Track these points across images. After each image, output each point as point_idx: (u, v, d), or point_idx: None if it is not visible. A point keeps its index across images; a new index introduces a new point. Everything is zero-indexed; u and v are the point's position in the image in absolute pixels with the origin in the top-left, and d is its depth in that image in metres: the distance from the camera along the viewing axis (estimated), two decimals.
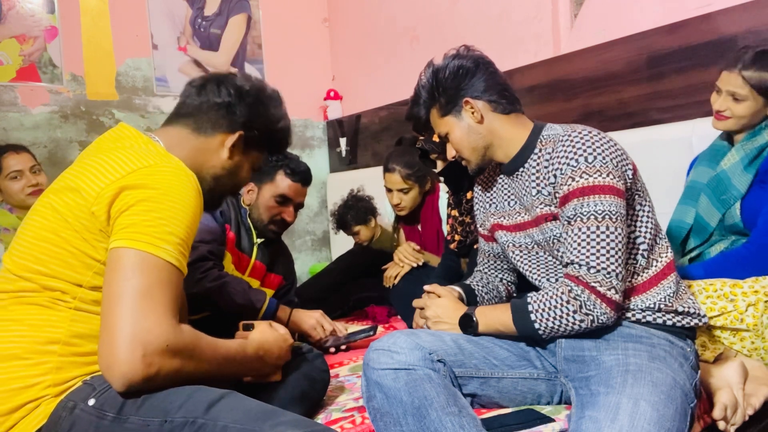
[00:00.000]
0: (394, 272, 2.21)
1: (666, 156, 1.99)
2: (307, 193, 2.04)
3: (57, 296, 0.96)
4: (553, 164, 1.20)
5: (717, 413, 1.23)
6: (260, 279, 2.01)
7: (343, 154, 3.72)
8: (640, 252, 1.21)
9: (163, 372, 0.88)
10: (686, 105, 2.07)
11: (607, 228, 1.12)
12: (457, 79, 1.28)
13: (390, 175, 2.25)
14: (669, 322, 1.18)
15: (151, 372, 0.87)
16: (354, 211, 2.57)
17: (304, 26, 3.84)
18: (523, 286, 1.46)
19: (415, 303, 1.42)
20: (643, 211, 1.23)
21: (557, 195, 1.19)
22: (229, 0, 3.52)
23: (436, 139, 1.77)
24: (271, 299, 1.80)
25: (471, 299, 1.40)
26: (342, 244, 3.27)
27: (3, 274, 1.00)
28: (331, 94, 3.82)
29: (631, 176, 1.19)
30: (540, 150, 1.26)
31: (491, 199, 1.42)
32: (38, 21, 2.88)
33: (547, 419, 1.17)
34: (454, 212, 1.96)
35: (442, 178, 1.94)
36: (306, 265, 3.74)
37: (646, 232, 1.21)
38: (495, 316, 1.25)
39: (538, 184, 1.25)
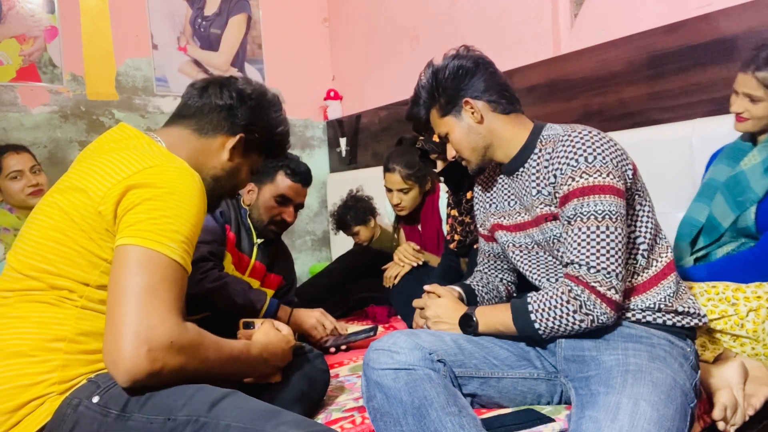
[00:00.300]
0: (394, 272, 2.22)
1: (666, 156, 1.99)
2: (307, 194, 2.04)
3: (64, 295, 0.97)
4: (553, 164, 1.20)
5: (717, 413, 1.23)
6: (260, 279, 2.01)
7: (343, 154, 3.72)
8: (640, 252, 1.21)
9: (167, 368, 0.89)
10: (686, 105, 2.07)
11: (607, 228, 1.12)
12: (457, 79, 1.28)
13: (390, 175, 2.26)
14: (669, 322, 1.18)
15: (156, 368, 0.87)
16: (353, 212, 2.57)
17: (304, 26, 3.84)
18: (523, 286, 1.46)
19: (415, 303, 1.42)
20: (643, 211, 1.23)
21: (557, 195, 1.19)
22: (229, 0, 3.52)
23: (436, 139, 1.78)
24: (271, 300, 1.80)
25: (471, 299, 1.41)
26: (342, 244, 3.27)
27: (9, 272, 1.01)
28: (331, 94, 3.82)
29: (631, 176, 1.19)
30: (540, 150, 1.26)
31: (491, 199, 1.42)
32: (38, 21, 2.88)
33: (547, 419, 1.18)
34: (454, 212, 1.96)
35: (442, 178, 1.94)
36: (306, 265, 3.74)
37: (646, 232, 1.21)
38: (495, 316, 1.25)
39: (538, 184, 1.25)
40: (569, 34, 2.52)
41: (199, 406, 0.88)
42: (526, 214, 1.31)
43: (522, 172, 1.29)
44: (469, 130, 1.30)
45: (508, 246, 1.38)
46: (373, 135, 3.57)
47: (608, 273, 1.11)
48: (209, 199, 1.15)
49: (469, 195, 1.89)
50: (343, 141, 3.71)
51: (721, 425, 1.24)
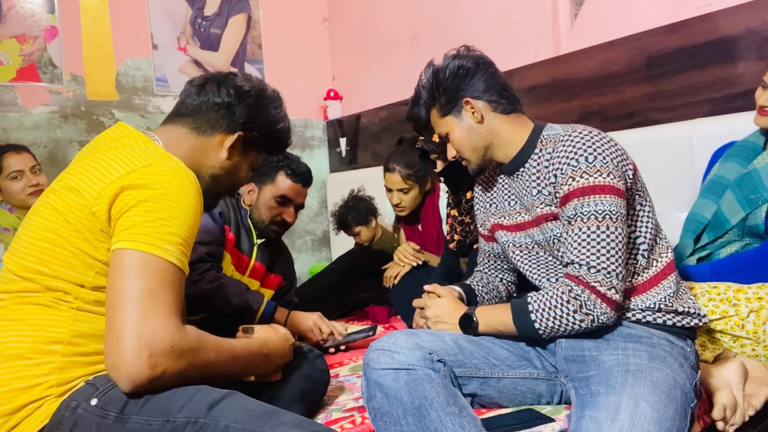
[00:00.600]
0: (394, 272, 2.22)
1: (666, 156, 1.99)
2: (307, 194, 2.04)
3: (59, 296, 0.96)
4: (553, 164, 1.20)
5: (716, 414, 1.23)
6: (260, 280, 2.01)
7: (343, 154, 3.72)
8: (641, 252, 1.21)
9: (169, 372, 0.88)
10: (686, 105, 2.07)
11: (608, 228, 1.12)
12: (458, 79, 1.28)
13: (390, 175, 2.25)
14: (669, 322, 1.18)
15: (157, 373, 0.87)
16: (355, 212, 2.57)
17: (304, 26, 3.84)
18: (523, 286, 1.46)
19: (415, 303, 1.42)
20: (644, 211, 1.23)
21: (557, 195, 1.19)
22: (229, 0, 3.52)
23: (436, 139, 1.77)
24: (268, 302, 1.79)
25: (471, 299, 1.41)
26: (342, 244, 3.27)
27: (4, 274, 1.00)
28: (331, 94, 3.82)
29: (631, 176, 1.19)
30: (540, 150, 1.26)
31: (491, 199, 1.42)
32: (38, 21, 2.88)
33: (547, 419, 1.17)
34: (454, 212, 1.96)
35: (442, 178, 1.94)
36: (306, 265, 3.74)
37: (646, 232, 1.21)
38: (495, 316, 1.25)
39: (538, 184, 1.25)
40: (569, 34, 2.52)
41: (198, 407, 0.87)
42: (526, 214, 1.31)
43: (522, 172, 1.29)
44: (470, 130, 1.30)
45: (508, 246, 1.38)
46: (373, 135, 3.57)
47: (608, 273, 1.11)
48: (208, 198, 1.15)
49: (469, 195, 1.89)
50: (343, 141, 3.71)
51: (720, 425, 1.24)
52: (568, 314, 1.13)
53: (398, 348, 1.14)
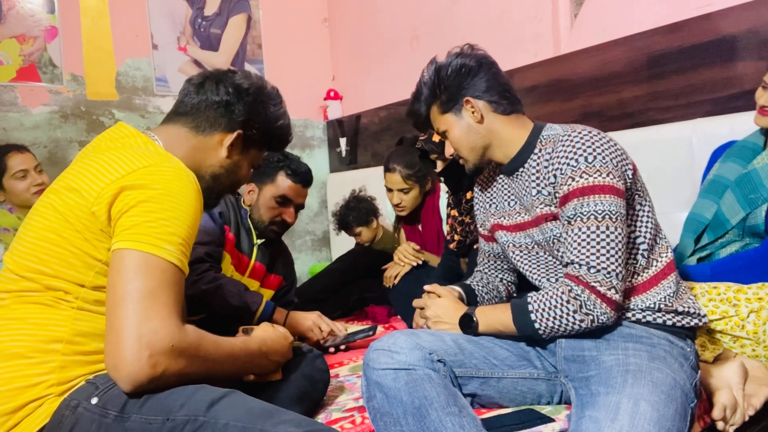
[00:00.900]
0: (394, 272, 2.22)
1: (666, 156, 1.99)
2: (307, 194, 2.04)
3: (59, 296, 0.96)
4: (553, 164, 1.20)
5: (716, 414, 1.23)
6: (260, 280, 2.00)
7: (343, 154, 3.72)
8: (640, 252, 1.21)
9: (169, 372, 0.89)
10: (686, 105, 2.07)
11: (607, 228, 1.12)
12: (460, 77, 1.28)
13: (390, 175, 2.25)
14: (669, 322, 1.18)
15: (157, 372, 0.87)
16: (356, 212, 2.56)
17: (304, 26, 3.84)
18: (523, 286, 1.46)
19: (415, 303, 1.42)
20: (643, 211, 1.23)
21: (557, 195, 1.19)
22: (229, 0, 3.52)
23: (436, 139, 1.78)
24: (267, 302, 1.79)
25: (471, 299, 1.41)
26: (342, 244, 3.27)
27: (5, 274, 1.00)
28: (331, 94, 3.82)
29: (631, 176, 1.19)
30: (540, 150, 1.26)
31: (491, 199, 1.42)
32: (38, 21, 2.88)
33: (547, 419, 1.17)
34: (454, 212, 1.96)
35: (442, 178, 1.94)
36: (306, 265, 3.74)
37: (646, 232, 1.21)
38: (495, 316, 1.25)
39: (538, 184, 1.25)
40: (569, 34, 2.52)
41: (198, 405, 0.88)
42: (526, 214, 1.31)
43: (522, 172, 1.29)
44: (469, 129, 1.30)
45: (508, 246, 1.38)
46: (373, 135, 3.57)
47: (608, 273, 1.11)
48: (208, 197, 1.15)
49: (469, 195, 1.89)
50: (343, 141, 3.71)
51: (720, 425, 1.24)
52: (568, 314, 1.13)
53: (398, 348, 1.14)
